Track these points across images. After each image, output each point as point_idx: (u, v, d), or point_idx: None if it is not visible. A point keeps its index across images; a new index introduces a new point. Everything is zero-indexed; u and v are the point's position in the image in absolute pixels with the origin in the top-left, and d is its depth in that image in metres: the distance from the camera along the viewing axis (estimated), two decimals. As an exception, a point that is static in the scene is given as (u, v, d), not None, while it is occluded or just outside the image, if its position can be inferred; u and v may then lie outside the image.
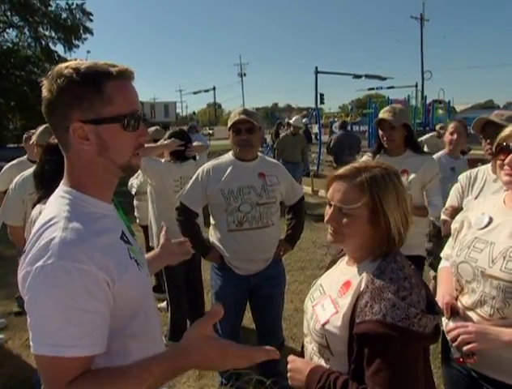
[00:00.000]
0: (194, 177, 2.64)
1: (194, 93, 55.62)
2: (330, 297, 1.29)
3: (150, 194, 3.64)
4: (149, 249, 4.11)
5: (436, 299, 1.65)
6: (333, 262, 1.52)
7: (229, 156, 2.63)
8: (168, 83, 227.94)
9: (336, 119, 23.21)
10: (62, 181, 1.08)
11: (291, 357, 1.38)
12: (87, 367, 0.94)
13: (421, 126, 18.03)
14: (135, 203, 4.71)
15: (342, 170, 1.30)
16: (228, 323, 2.70)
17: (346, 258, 1.40)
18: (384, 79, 24.48)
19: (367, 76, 24.19)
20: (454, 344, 1.44)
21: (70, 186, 1.05)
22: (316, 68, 22.60)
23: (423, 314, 1.13)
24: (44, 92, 1.00)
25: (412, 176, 2.72)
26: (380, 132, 2.78)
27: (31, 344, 0.93)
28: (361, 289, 1.20)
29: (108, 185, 1.10)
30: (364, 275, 1.23)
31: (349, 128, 13.75)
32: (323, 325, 1.25)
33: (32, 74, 19.19)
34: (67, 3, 19.96)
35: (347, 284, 1.26)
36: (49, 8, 19.80)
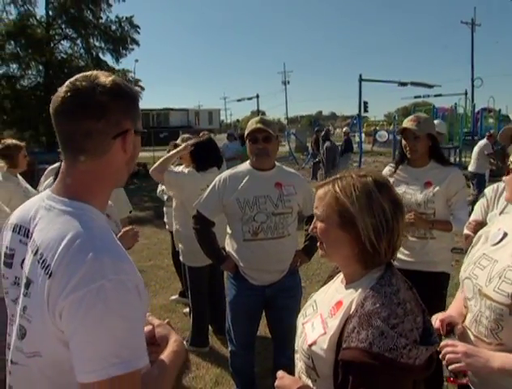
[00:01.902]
0: (211, 186, 2.66)
1: (238, 101, 56.27)
2: (321, 315, 1.24)
3: (174, 201, 3.71)
4: (175, 253, 4.20)
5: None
6: (330, 278, 1.47)
7: (246, 165, 2.63)
8: (213, 90, 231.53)
9: (378, 128, 22.73)
10: (57, 191, 1.04)
11: (280, 373, 1.34)
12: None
13: (469, 135, 17.26)
14: (165, 209, 4.82)
15: (324, 181, 1.29)
16: (241, 332, 2.70)
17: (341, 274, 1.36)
18: (431, 86, 23.73)
19: (413, 84, 23.56)
20: (443, 363, 1.38)
21: (70, 198, 1.01)
22: (360, 76, 22.31)
23: (413, 344, 1.06)
24: (92, 98, 0.98)
25: (436, 188, 2.60)
26: (403, 142, 2.69)
27: (86, 375, 0.87)
28: (351, 312, 1.14)
29: (108, 196, 1.12)
30: (356, 296, 1.16)
31: (391, 137, 13.78)
32: (310, 345, 1.20)
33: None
34: (117, 16, 20.89)
35: (338, 304, 1.21)
36: (100, 21, 20.78)
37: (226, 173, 2.64)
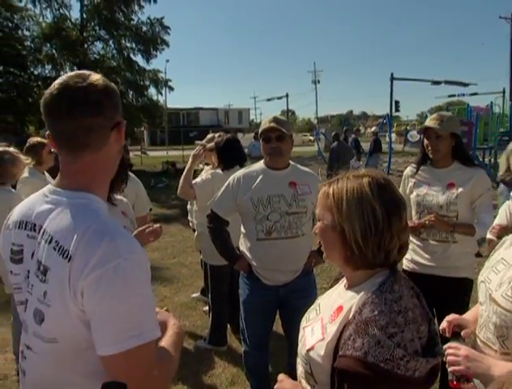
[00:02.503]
0: (225, 185, 2.64)
1: (268, 100, 56.36)
2: (322, 320, 1.20)
3: (196, 202, 3.72)
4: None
5: None
6: (337, 281, 1.43)
7: (261, 164, 2.61)
8: (243, 89, 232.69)
9: (409, 127, 22.21)
10: (61, 185, 1.10)
11: (281, 376, 1.32)
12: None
13: (506, 134, 16.59)
14: (189, 207, 4.84)
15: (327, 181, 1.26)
16: (254, 332, 2.68)
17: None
18: (466, 84, 22.99)
19: (447, 82, 22.93)
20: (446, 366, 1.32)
21: (87, 190, 1.08)
22: (391, 74, 21.89)
23: (412, 356, 1.00)
24: (89, 96, 1.05)
25: (460, 190, 2.49)
26: (425, 141, 2.59)
27: (107, 348, 0.94)
28: (349, 318, 1.10)
29: (109, 184, 1.19)
30: (355, 302, 1.12)
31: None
32: (308, 351, 1.17)
33: (115, 83, 20.59)
34: (148, 18, 21.27)
35: (339, 309, 1.16)
36: (132, 22, 21.21)
37: (240, 172, 2.62)
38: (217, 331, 3.70)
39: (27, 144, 3.69)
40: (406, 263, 2.72)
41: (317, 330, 1.18)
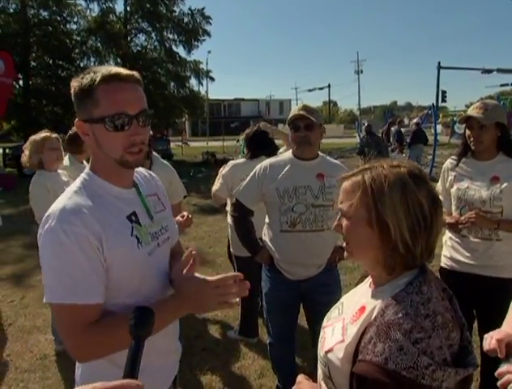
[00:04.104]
0: (251, 174, 2.58)
1: (309, 91, 55.73)
2: (343, 320, 1.12)
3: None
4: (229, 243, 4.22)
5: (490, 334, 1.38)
6: (362, 278, 1.33)
7: (289, 154, 2.53)
8: (285, 80, 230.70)
9: (456, 118, 21.27)
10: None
11: (300, 378, 1.26)
12: (93, 316, 1.12)
13: None
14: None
15: (349, 172, 1.13)
16: (277, 325, 2.65)
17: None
18: (521, 72, 21.72)
19: (499, 70, 21.72)
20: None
21: (89, 169, 1.25)
22: (438, 63, 21.00)
23: (439, 365, 0.90)
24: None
25: (505, 184, 2.31)
26: (467, 132, 2.42)
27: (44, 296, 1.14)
28: (371, 320, 1.00)
29: (116, 173, 1.22)
30: (379, 302, 1.02)
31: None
32: (326, 352, 1.10)
33: (156, 74, 21.08)
34: (189, 9, 21.55)
35: (361, 310, 1.07)
36: (173, 14, 21.51)
37: (267, 162, 2.55)
38: (247, 322, 3.68)
39: (68, 134, 3.79)
40: (444, 261, 2.57)
41: (338, 331, 1.11)
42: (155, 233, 1.30)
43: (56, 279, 1.11)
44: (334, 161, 2.65)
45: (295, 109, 2.43)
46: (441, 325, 0.95)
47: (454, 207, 2.48)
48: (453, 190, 2.49)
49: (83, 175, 1.24)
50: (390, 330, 0.94)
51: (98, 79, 1.12)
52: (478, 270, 2.39)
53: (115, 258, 1.15)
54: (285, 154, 2.58)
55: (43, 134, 3.35)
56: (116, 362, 1.14)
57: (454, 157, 2.56)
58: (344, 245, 1.15)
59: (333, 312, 1.25)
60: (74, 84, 1.17)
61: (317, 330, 2.52)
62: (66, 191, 1.20)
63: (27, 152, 3.32)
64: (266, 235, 2.60)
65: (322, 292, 2.45)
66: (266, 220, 2.60)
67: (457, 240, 2.49)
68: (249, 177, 2.59)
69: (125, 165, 1.20)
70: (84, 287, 1.10)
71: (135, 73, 1.20)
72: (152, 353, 1.16)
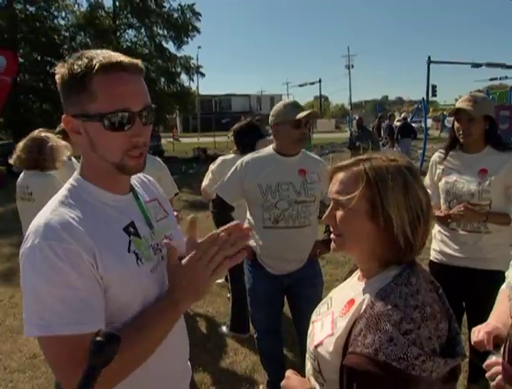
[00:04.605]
0: (232, 169, 2.55)
1: (300, 86, 55.72)
2: (332, 314, 1.11)
3: None
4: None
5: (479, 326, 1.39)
6: (351, 273, 1.33)
7: (270, 149, 2.50)
8: (275, 76, 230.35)
9: (445, 113, 21.38)
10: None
11: (289, 372, 1.25)
12: None
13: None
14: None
15: (343, 162, 1.11)
16: (261, 319, 2.67)
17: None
18: (509, 67, 21.92)
19: (488, 65, 21.93)
20: (492, 384, 1.19)
21: (79, 173, 1.08)
22: (429, 58, 21.17)
23: (428, 355, 0.90)
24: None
25: (493, 177, 2.31)
26: (456, 124, 2.42)
27: (25, 327, 0.93)
28: (361, 312, 1.00)
29: (111, 178, 1.06)
30: (368, 295, 1.02)
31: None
32: (316, 346, 1.09)
33: (147, 70, 20.90)
34: (179, 4, 21.47)
35: (350, 303, 1.07)
36: (163, 9, 21.37)
37: (248, 157, 2.52)
38: (238, 318, 3.67)
39: (57, 131, 3.71)
40: (434, 255, 2.58)
41: (328, 324, 1.10)
42: (157, 245, 1.13)
43: (44, 305, 0.90)
44: (315, 156, 2.65)
45: (292, 107, 2.37)
46: (430, 316, 0.96)
47: (442, 201, 2.48)
48: (441, 184, 2.49)
49: (70, 181, 1.07)
50: (379, 321, 0.94)
51: (96, 68, 0.94)
52: (467, 262, 2.40)
53: (111, 279, 0.98)
54: (265, 150, 2.54)
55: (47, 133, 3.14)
56: None
57: (441, 150, 2.56)
58: (333, 236, 1.13)
59: (322, 307, 1.24)
60: (62, 70, 0.98)
61: (304, 325, 2.54)
62: (50, 202, 1.02)
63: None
64: None
65: (306, 286, 2.47)
66: (248, 216, 2.58)
67: (446, 233, 2.49)
68: (229, 173, 2.56)
69: (124, 171, 1.03)
70: (83, 312, 0.92)
71: (139, 62, 1.01)
72: (160, 375, 1.09)
